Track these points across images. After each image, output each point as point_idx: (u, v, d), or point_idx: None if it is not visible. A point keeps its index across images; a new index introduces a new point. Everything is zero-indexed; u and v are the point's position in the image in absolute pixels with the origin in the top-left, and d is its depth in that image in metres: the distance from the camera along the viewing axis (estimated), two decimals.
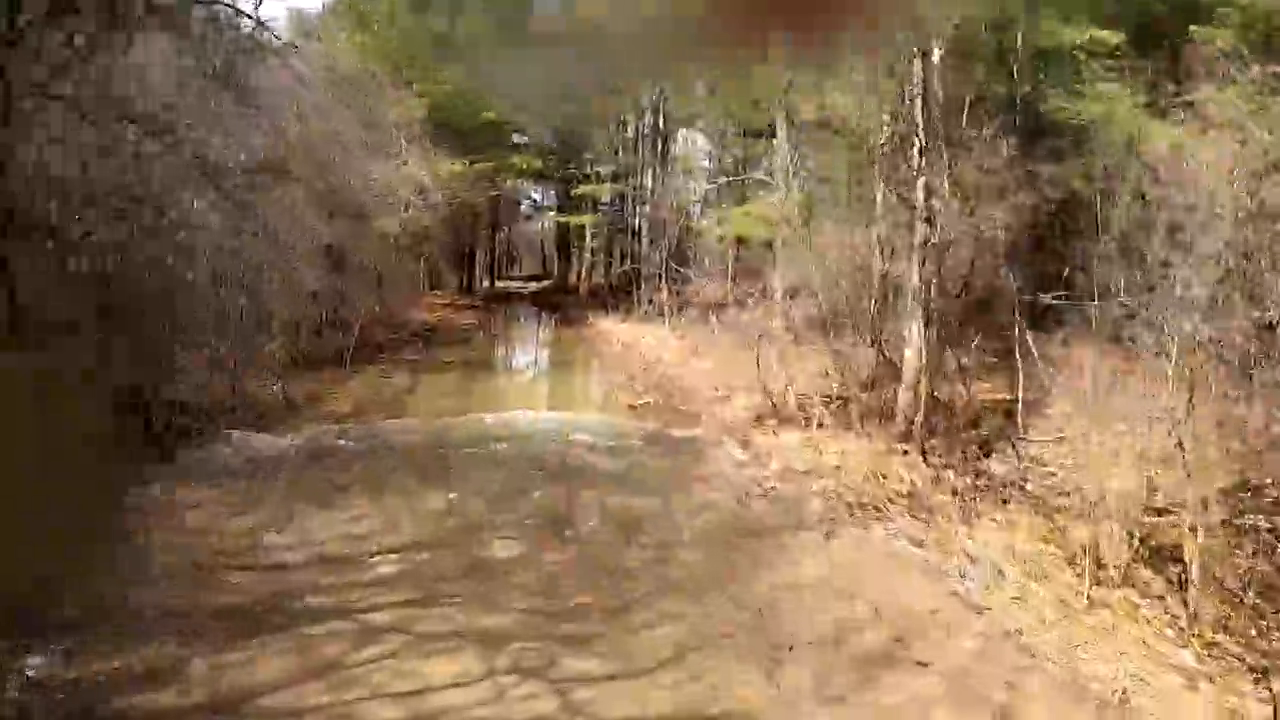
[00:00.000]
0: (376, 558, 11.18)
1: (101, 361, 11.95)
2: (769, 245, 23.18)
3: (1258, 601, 10.58)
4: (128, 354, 12.78)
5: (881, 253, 16.88)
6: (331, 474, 14.19)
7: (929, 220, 15.04)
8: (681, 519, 13.05)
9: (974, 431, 15.37)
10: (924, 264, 14.84)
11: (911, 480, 13.96)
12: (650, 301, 29.86)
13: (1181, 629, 10.29)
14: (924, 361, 15.24)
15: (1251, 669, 9.66)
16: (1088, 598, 10.80)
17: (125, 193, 12.98)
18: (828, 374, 17.36)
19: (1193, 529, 10.75)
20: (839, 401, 16.77)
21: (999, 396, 16.28)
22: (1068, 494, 13.44)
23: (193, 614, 9.38)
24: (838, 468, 14.66)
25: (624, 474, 14.94)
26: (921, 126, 15.19)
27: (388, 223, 25.04)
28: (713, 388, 20.07)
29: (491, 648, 9.18)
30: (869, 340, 16.45)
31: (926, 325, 15.21)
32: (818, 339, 18.11)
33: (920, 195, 15.12)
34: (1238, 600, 10.64)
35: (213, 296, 15.33)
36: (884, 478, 14.10)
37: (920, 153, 15.26)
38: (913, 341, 15.31)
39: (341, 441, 16.07)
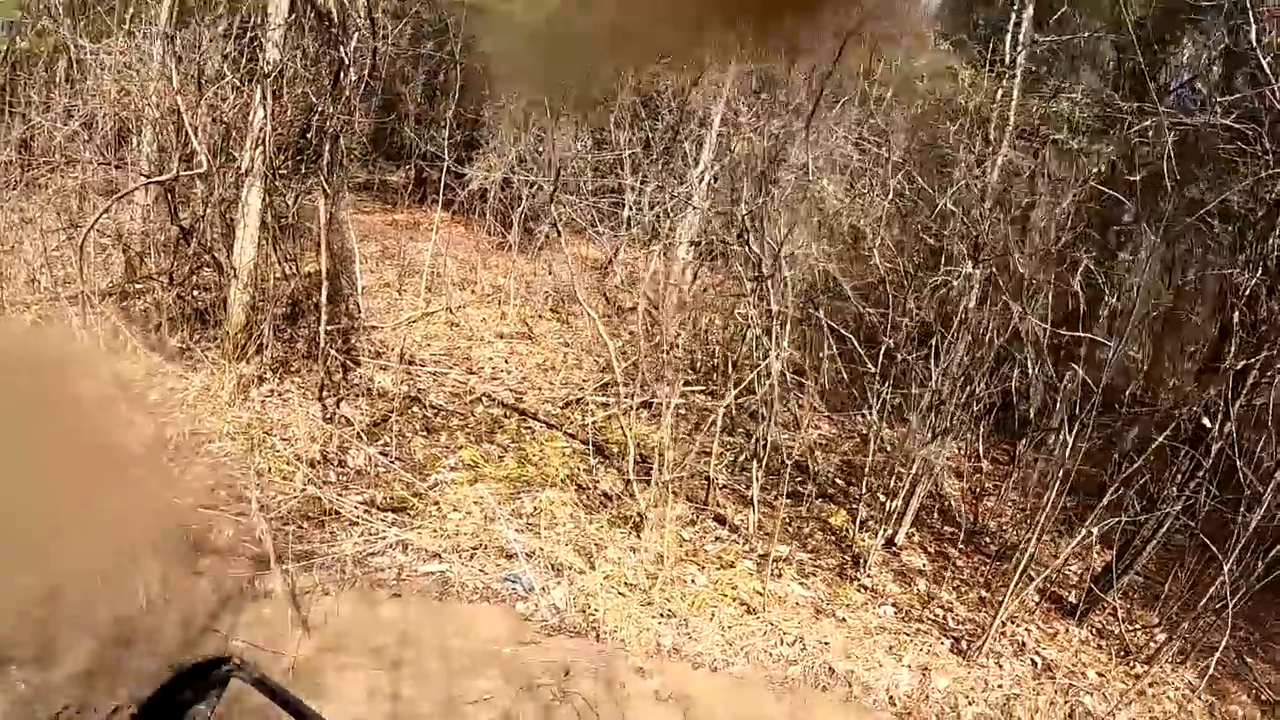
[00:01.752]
0: None
1: None
2: None
3: None
4: None
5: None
6: None
7: None
8: None
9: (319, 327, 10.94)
10: (271, 97, 9.25)
11: (323, 450, 9.04)
12: None
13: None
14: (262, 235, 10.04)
15: None
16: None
17: None
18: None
19: None
20: (112, 296, 10.39)
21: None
22: (489, 397, 10.63)
23: None
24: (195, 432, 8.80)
25: None
26: None
27: None
28: None
29: None
30: (168, 205, 10.25)
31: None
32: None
33: None
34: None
35: None
36: (285, 460, 8.85)
37: None
38: (252, 208, 9.85)
39: None
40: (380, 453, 9.22)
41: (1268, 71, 7.48)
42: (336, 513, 8.22)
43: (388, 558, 7.87)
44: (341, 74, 9.17)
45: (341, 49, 9.02)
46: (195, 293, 10.56)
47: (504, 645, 7.10)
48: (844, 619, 8.26)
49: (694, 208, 11.68)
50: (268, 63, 9.19)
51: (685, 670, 7.22)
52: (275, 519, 7.82)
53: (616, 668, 7.08)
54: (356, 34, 9.40)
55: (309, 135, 9.86)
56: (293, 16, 9.24)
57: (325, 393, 9.67)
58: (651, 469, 9.09)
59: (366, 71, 9.42)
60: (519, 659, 7.00)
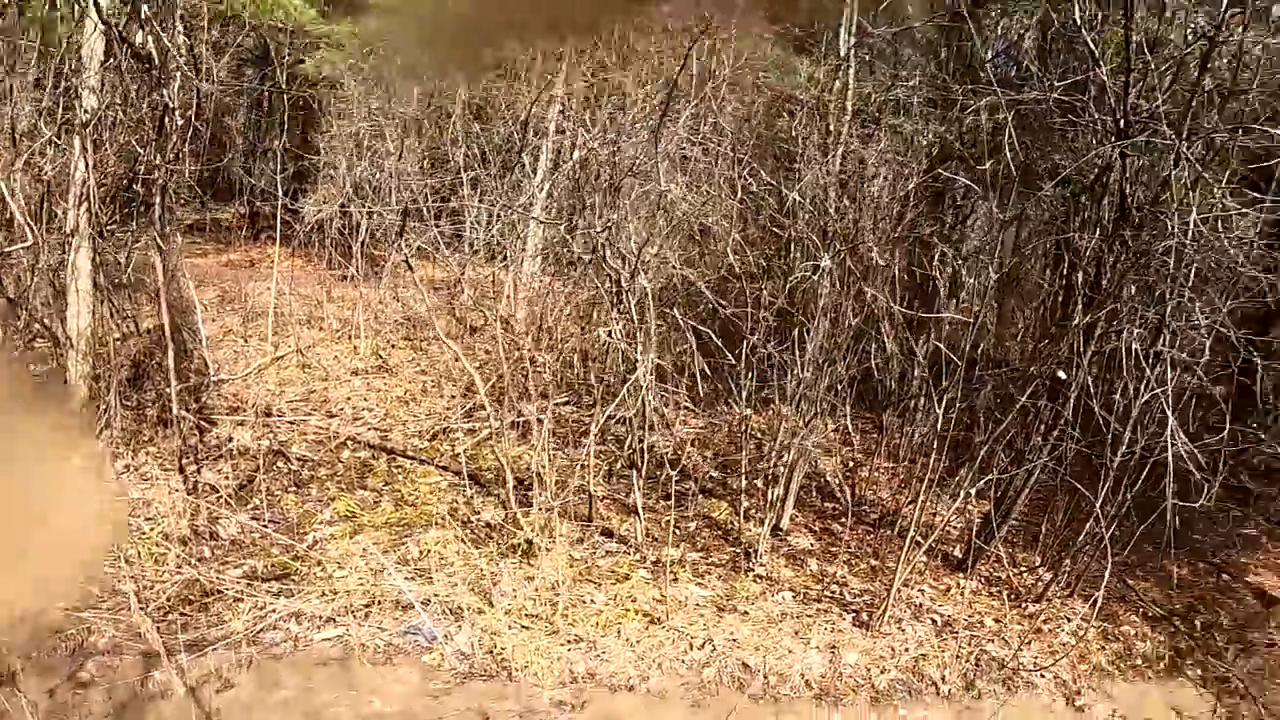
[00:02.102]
0: None
1: None
2: None
3: None
4: None
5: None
6: None
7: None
8: None
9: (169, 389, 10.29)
10: (92, 148, 8.53)
11: (191, 524, 8.49)
12: None
13: None
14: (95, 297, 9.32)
15: None
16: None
17: None
18: None
19: None
20: None
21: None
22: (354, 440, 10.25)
23: None
24: None
25: None
26: None
27: None
28: None
29: None
30: None
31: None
32: None
33: None
34: None
35: None
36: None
37: None
38: (81, 269, 9.10)
39: None
40: (252, 518, 8.77)
41: (1091, 48, 7.90)
42: (219, 591, 7.76)
43: (280, 631, 7.49)
44: (166, 119, 8.55)
45: (164, 92, 8.41)
46: (31, 367, 9.74)
47: (417, 702, 6.90)
48: (746, 612, 8.37)
49: (538, 220, 11.53)
50: (86, 111, 8.46)
51: (604, 695, 7.19)
52: (156, 609, 7.32)
53: (535, 705, 7.00)
54: (179, 74, 8.78)
55: (136, 186, 9.17)
56: (110, 60, 8.52)
57: (184, 460, 9.10)
58: (530, 491, 8.99)
59: (192, 113, 8.82)
60: (435, 713, 6.82)
